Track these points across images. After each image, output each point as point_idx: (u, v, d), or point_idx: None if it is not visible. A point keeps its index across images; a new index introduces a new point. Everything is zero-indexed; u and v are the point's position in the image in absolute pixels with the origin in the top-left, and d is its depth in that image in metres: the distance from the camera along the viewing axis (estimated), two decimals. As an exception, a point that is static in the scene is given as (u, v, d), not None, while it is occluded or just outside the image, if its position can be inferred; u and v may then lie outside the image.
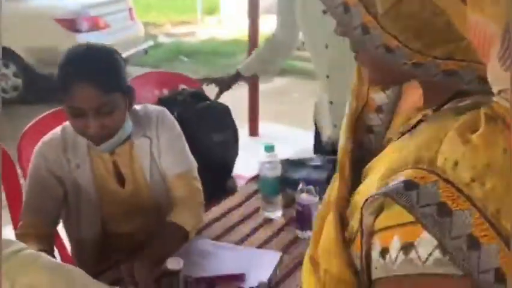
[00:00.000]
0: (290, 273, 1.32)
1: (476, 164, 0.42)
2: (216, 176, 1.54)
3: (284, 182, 1.58)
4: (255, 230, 1.52)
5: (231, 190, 2.18)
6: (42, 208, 1.37)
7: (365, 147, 0.66)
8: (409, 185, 0.44)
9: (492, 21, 0.42)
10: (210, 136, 2.02)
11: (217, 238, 1.48)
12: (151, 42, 6.31)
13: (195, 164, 1.49)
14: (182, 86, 2.35)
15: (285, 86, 5.97)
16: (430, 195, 0.43)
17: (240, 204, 1.66)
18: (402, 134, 0.59)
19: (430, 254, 0.42)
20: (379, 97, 0.67)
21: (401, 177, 0.46)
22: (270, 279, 1.28)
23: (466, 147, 0.43)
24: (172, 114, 1.55)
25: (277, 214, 1.57)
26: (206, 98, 2.20)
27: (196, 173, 1.48)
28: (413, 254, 0.43)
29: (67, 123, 1.44)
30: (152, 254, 1.24)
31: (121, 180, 1.44)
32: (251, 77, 2.22)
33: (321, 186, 1.48)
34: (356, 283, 0.52)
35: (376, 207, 0.47)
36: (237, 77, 2.15)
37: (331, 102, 1.82)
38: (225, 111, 2.20)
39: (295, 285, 1.27)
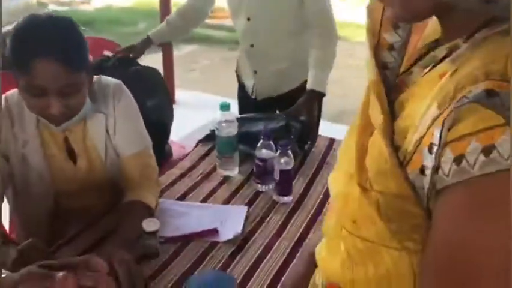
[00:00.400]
0: (258, 225, 1.37)
1: None
2: (154, 141, 1.52)
3: (244, 137, 1.62)
4: (215, 188, 1.55)
5: (169, 155, 2.18)
6: None
7: (387, 67, 0.72)
8: (491, 92, 0.51)
9: None
10: (144, 101, 1.97)
11: (180, 199, 1.49)
12: (42, 11, 5.85)
13: (150, 141, 1.45)
14: (106, 52, 2.25)
15: (193, 53, 5.92)
16: (509, 99, 0.50)
17: (194, 166, 1.67)
18: (426, 67, 0.66)
19: None
20: (390, 36, 0.73)
21: (478, 89, 0.51)
22: (242, 231, 1.33)
23: None
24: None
25: (234, 172, 1.61)
26: (135, 63, 2.14)
27: (151, 151, 1.45)
28: (494, 154, 0.49)
29: (9, 94, 1.33)
30: (126, 237, 1.21)
31: (73, 157, 1.37)
32: (165, 44, 2.21)
33: (280, 133, 1.57)
34: (414, 197, 0.59)
35: (449, 121, 0.53)
36: (148, 43, 2.14)
37: (252, 46, 1.95)
38: (156, 74, 2.18)
39: (265, 236, 1.33)
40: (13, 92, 1.33)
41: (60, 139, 1.34)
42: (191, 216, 1.39)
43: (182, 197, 1.50)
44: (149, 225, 1.22)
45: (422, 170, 0.57)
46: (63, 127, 1.29)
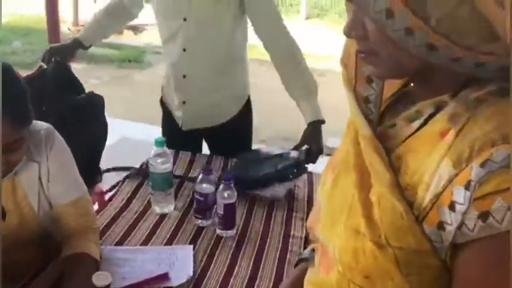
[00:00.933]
0: (208, 264, 1.35)
1: None
2: (87, 169, 1.42)
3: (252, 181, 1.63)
4: (154, 227, 1.49)
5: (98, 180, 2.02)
6: None
7: (368, 119, 0.73)
8: None
9: None
10: (85, 130, 1.82)
11: (120, 243, 1.41)
12: None
13: (85, 187, 1.36)
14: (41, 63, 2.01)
15: (81, 72, 5.61)
16: None
17: (127, 205, 1.59)
18: (411, 121, 0.70)
19: None
20: (365, 90, 0.75)
21: (502, 153, 0.57)
22: (194, 272, 1.30)
23: None
24: (41, 109, 1.38)
25: (170, 208, 1.57)
26: (76, 88, 1.94)
27: (88, 196, 1.36)
28: None
29: None
30: None
31: (1, 212, 1.23)
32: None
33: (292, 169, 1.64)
34: (433, 250, 0.62)
35: (476, 182, 0.57)
36: (77, 45, 1.99)
37: (184, 76, 1.85)
38: (100, 102, 1.97)
39: (218, 274, 1.31)
40: None
41: None
42: (136, 262, 1.32)
43: (121, 241, 1.42)
44: (99, 279, 1.13)
45: (440, 226, 0.61)
46: (6, 180, 1.15)
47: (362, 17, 0.66)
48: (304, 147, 1.76)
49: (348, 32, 0.69)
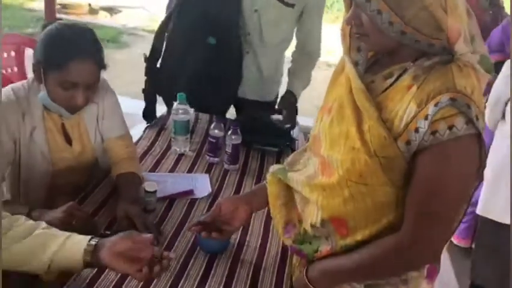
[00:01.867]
0: (220, 187, 1.80)
1: (472, 85, 0.95)
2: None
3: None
4: (175, 162, 1.93)
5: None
6: None
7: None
8: (452, 98, 0.92)
9: (459, 23, 0.98)
10: None
11: (151, 172, 1.84)
12: None
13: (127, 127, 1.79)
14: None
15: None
16: (462, 101, 0.92)
17: (152, 146, 2.02)
18: (386, 78, 1.08)
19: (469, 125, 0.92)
20: (355, 55, 1.12)
21: (446, 97, 0.92)
22: (212, 191, 1.75)
23: (466, 79, 0.94)
24: None
25: (186, 149, 2.00)
26: None
27: (130, 133, 1.78)
28: (454, 129, 0.92)
29: (14, 87, 1.54)
30: (132, 196, 1.53)
31: (69, 140, 1.63)
32: None
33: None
34: (403, 158, 0.98)
35: (432, 115, 0.92)
36: None
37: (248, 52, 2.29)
38: None
39: (226, 195, 1.76)
40: (18, 85, 1.55)
41: (59, 125, 1.60)
42: (167, 183, 1.75)
43: (152, 170, 1.85)
44: (150, 186, 1.57)
45: (408, 142, 0.97)
46: (74, 115, 1.55)
47: (359, 13, 1.02)
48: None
49: (349, 21, 1.08)
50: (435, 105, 0.94)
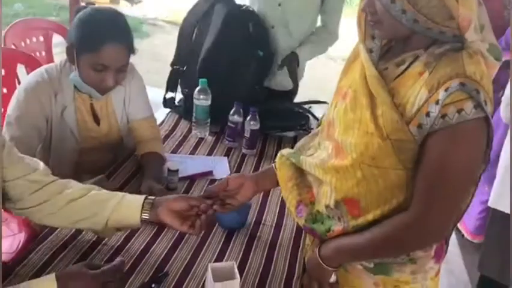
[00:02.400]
0: (238, 171, 1.88)
1: (481, 71, 0.99)
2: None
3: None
4: (196, 145, 2.01)
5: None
6: (27, 145, 1.56)
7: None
8: (462, 83, 0.96)
9: (470, 12, 1.03)
10: None
11: (173, 153, 1.92)
12: None
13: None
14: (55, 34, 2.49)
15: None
16: (472, 86, 0.97)
17: (173, 129, 2.11)
18: (399, 65, 1.13)
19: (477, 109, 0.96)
20: (369, 43, 1.17)
21: (456, 82, 0.97)
22: (230, 173, 1.83)
23: (475, 66, 0.99)
24: None
25: (206, 134, 2.08)
26: None
27: (154, 116, 1.87)
28: (462, 113, 0.96)
29: (48, 68, 1.64)
30: (155, 175, 1.64)
31: (97, 120, 1.73)
32: None
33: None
34: (414, 141, 1.02)
35: (442, 100, 1.00)
36: None
37: None
38: None
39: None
40: (51, 66, 1.64)
41: (88, 105, 1.69)
42: (187, 164, 1.83)
43: (173, 152, 1.93)
44: (173, 165, 1.66)
45: (419, 126, 1.02)
46: (102, 96, 1.64)
47: (374, 0, 1.07)
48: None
49: (364, 9, 1.14)
50: (446, 90, 0.99)
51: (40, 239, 1.33)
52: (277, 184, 1.35)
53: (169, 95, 2.31)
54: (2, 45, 2.49)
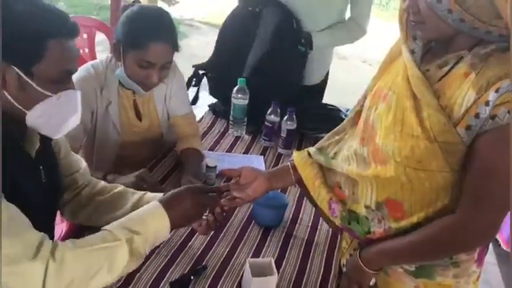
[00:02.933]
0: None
1: None
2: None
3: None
4: (232, 144, 2.03)
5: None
6: (74, 137, 1.58)
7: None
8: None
9: None
10: None
11: (210, 150, 1.95)
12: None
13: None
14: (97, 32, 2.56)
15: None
16: None
17: (211, 127, 2.14)
18: (441, 67, 1.11)
19: None
20: (411, 43, 1.14)
21: (506, 83, 0.95)
22: (266, 171, 1.84)
23: None
24: None
25: (243, 132, 2.10)
26: None
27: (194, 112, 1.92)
28: None
29: (94, 64, 1.69)
30: (194, 170, 1.68)
31: (139, 116, 1.78)
32: None
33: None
34: (462, 142, 1.02)
35: (493, 101, 0.96)
36: None
37: None
38: None
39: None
40: (97, 62, 1.70)
41: (131, 101, 1.74)
42: (225, 161, 1.86)
43: (211, 150, 1.96)
44: (211, 162, 1.68)
45: (468, 128, 1.01)
46: (147, 92, 1.69)
47: (417, 1, 1.06)
48: None
49: (408, 8, 1.13)
50: (496, 91, 0.98)
51: (82, 229, 1.37)
52: (291, 183, 1.36)
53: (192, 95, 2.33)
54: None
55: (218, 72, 2.27)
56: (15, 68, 0.95)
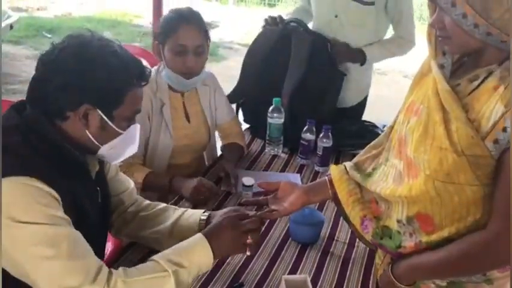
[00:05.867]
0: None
1: None
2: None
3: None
4: (269, 162, 2.06)
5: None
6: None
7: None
8: None
9: None
10: None
11: (247, 169, 1.99)
12: (15, 17, 5.97)
13: None
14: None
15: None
16: None
17: (248, 146, 2.18)
18: (471, 81, 1.11)
19: None
20: (441, 58, 1.15)
21: None
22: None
23: None
24: None
25: (279, 151, 2.13)
26: None
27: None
28: None
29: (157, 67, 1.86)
30: (232, 160, 1.92)
31: (187, 117, 1.93)
32: None
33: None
34: (490, 156, 1.01)
35: None
36: None
37: None
38: None
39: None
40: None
41: (181, 103, 1.90)
42: (262, 180, 1.85)
43: (248, 169, 2.00)
44: (248, 181, 1.72)
45: (495, 141, 1.01)
46: (192, 85, 1.84)
47: (442, 16, 1.06)
48: None
49: (433, 25, 1.14)
50: None
51: (125, 248, 1.43)
52: (329, 197, 1.36)
53: None
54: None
55: (249, 97, 2.33)
56: (99, 111, 1.09)
